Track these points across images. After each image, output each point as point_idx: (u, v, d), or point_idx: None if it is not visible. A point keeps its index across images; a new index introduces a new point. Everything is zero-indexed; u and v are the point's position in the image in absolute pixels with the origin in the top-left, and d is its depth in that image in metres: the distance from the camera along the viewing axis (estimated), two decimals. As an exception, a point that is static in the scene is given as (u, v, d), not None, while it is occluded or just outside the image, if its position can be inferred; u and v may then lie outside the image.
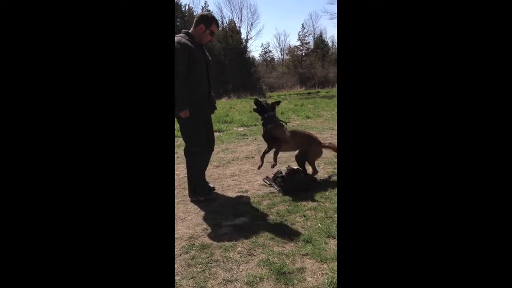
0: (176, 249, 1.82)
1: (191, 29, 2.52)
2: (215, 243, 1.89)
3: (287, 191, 2.65)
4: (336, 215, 2.11)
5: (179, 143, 4.78)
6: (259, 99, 2.95)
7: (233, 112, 9.04)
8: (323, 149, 3.06)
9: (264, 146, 2.98)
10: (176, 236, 1.98)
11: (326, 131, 5.59)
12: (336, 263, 1.55)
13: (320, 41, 38.60)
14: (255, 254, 1.75)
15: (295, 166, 2.95)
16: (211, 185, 2.84)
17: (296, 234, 1.94)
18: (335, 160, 3.49)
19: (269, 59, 41.17)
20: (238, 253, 1.76)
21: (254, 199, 2.58)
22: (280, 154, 2.93)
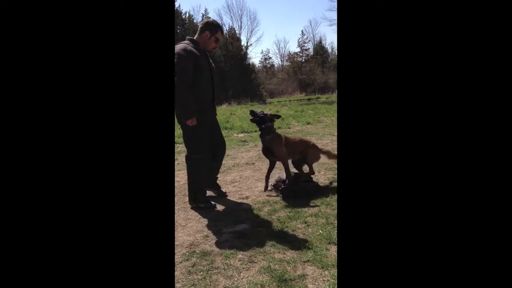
0: (176, 257, 1.80)
1: (196, 36, 2.53)
2: (215, 250, 1.88)
3: (288, 197, 2.64)
4: (337, 222, 2.09)
5: (179, 150, 4.78)
6: (255, 110, 2.86)
7: (234, 119, 9.05)
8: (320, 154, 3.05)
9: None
10: (176, 243, 1.97)
11: (327, 137, 5.59)
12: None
13: (319, 48, 38.83)
14: (256, 261, 1.74)
15: (294, 170, 2.95)
16: (223, 190, 2.86)
17: (297, 240, 1.93)
18: (336, 166, 3.48)
19: (269, 66, 41.37)
20: (239, 260, 1.75)
21: (255, 205, 2.57)
22: (278, 163, 2.92)
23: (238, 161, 4.14)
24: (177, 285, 1.55)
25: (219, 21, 2.79)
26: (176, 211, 2.50)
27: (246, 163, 4.00)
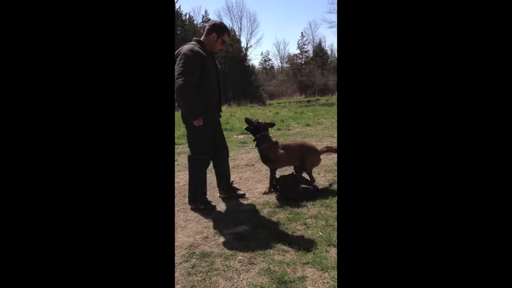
0: (176, 258, 1.80)
1: (203, 37, 2.53)
2: (215, 251, 1.88)
3: (288, 198, 2.64)
4: (336, 223, 2.09)
5: (179, 151, 4.78)
6: (250, 118, 2.88)
7: (233, 120, 9.05)
8: (321, 155, 3.03)
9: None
10: (176, 244, 1.96)
11: (326, 138, 5.59)
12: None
13: (319, 50, 38.87)
14: (255, 262, 1.74)
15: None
16: (241, 192, 2.82)
17: (297, 242, 1.93)
18: (335, 168, 3.48)
19: (268, 67, 41.40)
20: (238, 262, 1.75)
21: (255, 207, 2.57)
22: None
23: (238, 162, 4.14)
24: (176, 286, 1.54)
25: (219, 23, 2.78)
26: (176, 212, 2.50)
27: (246, 165, 4.00)
